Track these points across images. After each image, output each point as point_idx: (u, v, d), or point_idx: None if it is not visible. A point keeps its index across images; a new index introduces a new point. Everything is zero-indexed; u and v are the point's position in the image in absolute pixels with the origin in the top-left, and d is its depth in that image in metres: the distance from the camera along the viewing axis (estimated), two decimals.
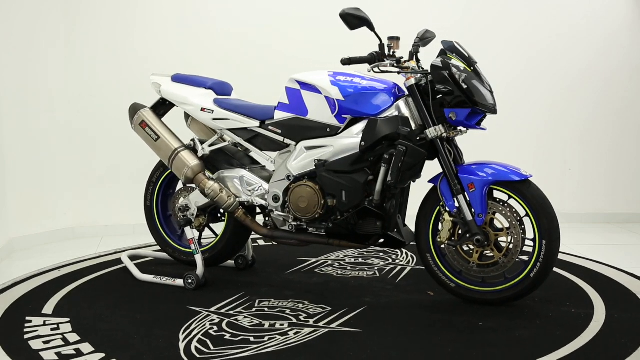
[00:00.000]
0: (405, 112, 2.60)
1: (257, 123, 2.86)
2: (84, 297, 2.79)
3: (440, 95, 2.56)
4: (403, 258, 3.46)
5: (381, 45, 2.66)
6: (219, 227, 3.14)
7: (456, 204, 2.59)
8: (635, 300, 2.70)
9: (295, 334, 2.34)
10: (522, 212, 2.56)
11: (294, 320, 2.48)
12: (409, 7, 4.25)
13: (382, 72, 2.67)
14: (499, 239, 2.60)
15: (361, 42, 3.66)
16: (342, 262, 3.37)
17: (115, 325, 2.44)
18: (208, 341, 2.27)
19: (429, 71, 2.60)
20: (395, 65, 2.62)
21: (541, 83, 4.51)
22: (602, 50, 4.51)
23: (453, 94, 2.50)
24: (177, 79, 3.06)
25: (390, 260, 3.40)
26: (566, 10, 4.46)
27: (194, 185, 3.02)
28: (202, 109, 2.93)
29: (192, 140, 3.02)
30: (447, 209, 2.61)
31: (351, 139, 2.65)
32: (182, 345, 2.23)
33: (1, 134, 3.68)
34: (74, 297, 2.79)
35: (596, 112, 4.57)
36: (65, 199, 4.10)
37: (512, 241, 2.55)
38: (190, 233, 2.94)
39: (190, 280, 2.86)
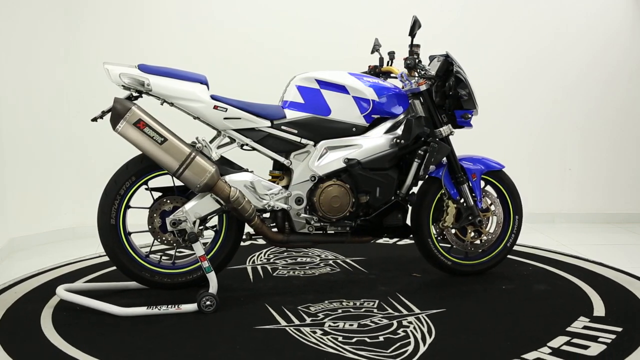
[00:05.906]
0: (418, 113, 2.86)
1: (268, 123, 2.70)
2: (114, 332, 2.33)
3: (438, 99, 2.87)
4: (321, 252, 3.55)
5: (411, 52, 2.82)
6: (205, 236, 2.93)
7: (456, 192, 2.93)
8: (635, 301, 2.70)
9: (409, 323, 2.41)
10: (494, 195, 3.07)
11: (379, 315, 2.49)
12: (407, 5, 4.24)
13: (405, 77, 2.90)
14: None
15: (361, 42, 3.68)
16: (279, 265, 3.29)
17: None
18: (364, 347, 2.16)
19: (435, 76, 2.85)
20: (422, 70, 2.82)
21: (541, 83, 4.51)
22: (602, 50, 4.51)
23: (467, 97, 2.82)
24: (149, 70, 2.59)
25: (319, 258, 3.44)
26: (566, 10, 4.46)
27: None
28: (215, 107, 2.62)
29: (202, 141, 2.64)
30: (452, 197, 2.90)
31: (384, 138, 2.78)
32: None
33: (1, 134, 3.68)
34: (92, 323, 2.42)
35: (596, 112, 4.57)
36: (65, 199, 4.10)
37: (497, 219, 3.04)
38: (201, 249, 2.59)
39: (209, 302, 2.52)
